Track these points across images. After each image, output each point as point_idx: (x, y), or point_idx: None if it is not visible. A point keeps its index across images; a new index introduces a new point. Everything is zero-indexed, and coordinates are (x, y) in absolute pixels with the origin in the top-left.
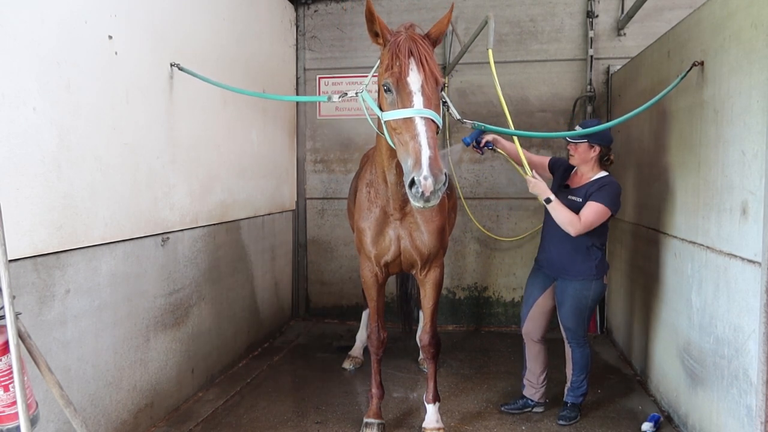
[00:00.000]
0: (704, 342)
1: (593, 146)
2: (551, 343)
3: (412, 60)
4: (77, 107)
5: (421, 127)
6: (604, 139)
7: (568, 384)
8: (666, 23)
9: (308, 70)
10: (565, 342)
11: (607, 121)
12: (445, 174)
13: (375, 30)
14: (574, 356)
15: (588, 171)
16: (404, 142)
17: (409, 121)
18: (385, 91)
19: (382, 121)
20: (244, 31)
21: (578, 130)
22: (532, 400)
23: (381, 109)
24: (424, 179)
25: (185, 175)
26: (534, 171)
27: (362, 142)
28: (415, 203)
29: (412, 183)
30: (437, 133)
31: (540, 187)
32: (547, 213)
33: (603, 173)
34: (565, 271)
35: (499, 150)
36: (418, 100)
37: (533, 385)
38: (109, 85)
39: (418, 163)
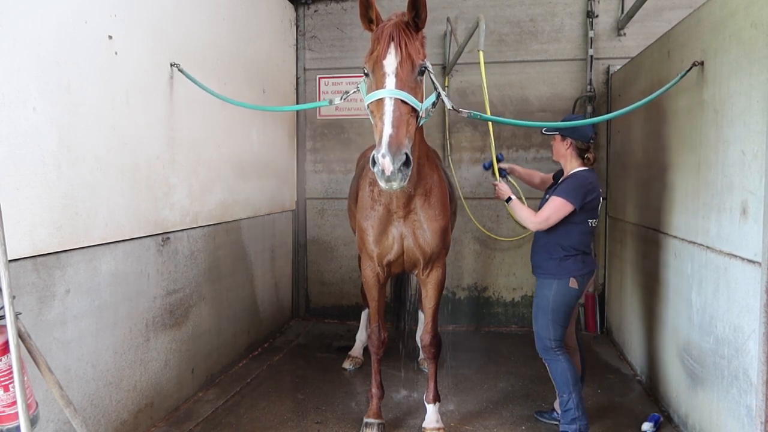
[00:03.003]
0: (704, 342)
1: (565, 139)
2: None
3: (391, 44)
4: (77, 107)
5: (388, 107)
6: (576, 132)
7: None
8: (666, 23)
9: (308, 70)
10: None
11: (598, 113)
12: (407, 155)
13: (370, 17)
14: (548, 370)
15: (566, 167)
16: (376, 124)
17: (379, 102)
18: (365, 76)
19: (366, 107)
20: (243, 31)
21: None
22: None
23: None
24: (382, 157)
25: (185, 175)
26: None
27: (362, 142)
28: (380, 183)
29: (374, 162)
30: (418, 117)
31: (502, 190)
32: None
33: (577, 169)
34: (534, 268)
35: (512, 180)
36: (390, 81)
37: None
38: (109, 85)
39: (379, 141)
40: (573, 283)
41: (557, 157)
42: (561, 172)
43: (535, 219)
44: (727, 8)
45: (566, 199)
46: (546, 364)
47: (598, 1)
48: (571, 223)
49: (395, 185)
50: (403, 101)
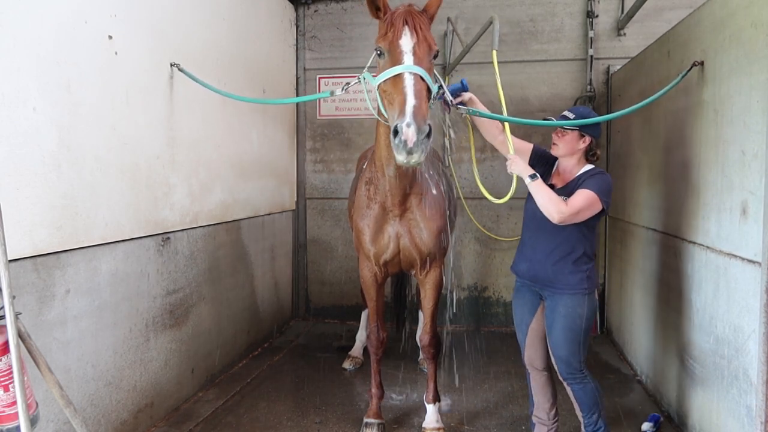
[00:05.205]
0: (704, 342)
1: (584, 136)
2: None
3: (406, 27)
4: (77, 107)
5: (408, 81)
6: (596, 130)
7: (582, 429)
8: (666, 23)
9: (308, 70)
10: (561, 379)
11: (598, 113)
12: (429, 126)
13: (377, 4)
14: (575, 394)
15: (573, 165)
16: (392, 100)
17: (397, 78)
18: (378, 55)
19: (375, 89)
20: (244, 31)
21: (568, 115)
22: None
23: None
24: (407, 126)
25: (185, 175)
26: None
27: (362, 142)
28: (398, 156)
29: (396, 132)
30: (429, 99)
31: (521, 165)
32: (528, 214)
33: (591, 166)
34: (552, 284)
35: (467, 116)
36: (408, 58)
37: (544, 423)
38: (109, 85)
39: (402, 111)
40: (596, 295)
41: (566, 153)
42: (545, 154)
43: (565, 209)
44: (727, 8)
45: (599, 196)
46: (569, 389)
47: (598, 1)
48: (594, 228)
49: (415, 158)
50: (422, 78)
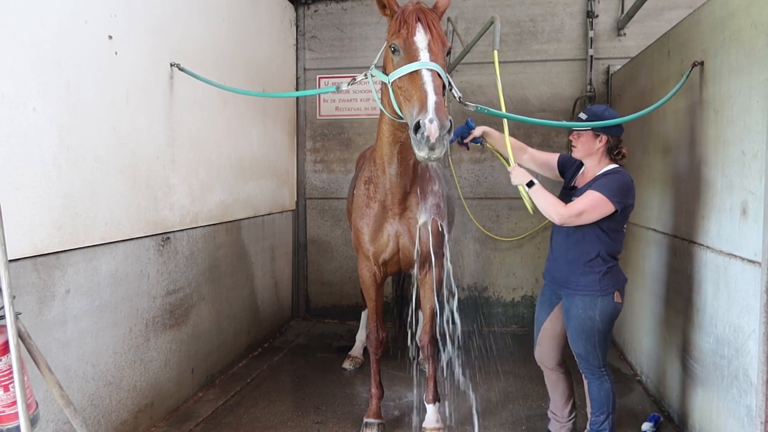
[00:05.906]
0: (704, 342)
1: (599, 135)
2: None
3: (419, 24)
4: (77, 107)
5: (427, 77)
6: (613, 128)
7: (588, 426)
8: (666, 23)
9: (308, 70)
10: (580, 371)
11: (613, 109)
12: (450, 121)
13: (383, 1)
14: (590, 390)
15: (594, 165)
16: (410, 97)
17: (415, 74)
18: (393, 52)
19: (389, 85)
20: (243, 31)
21: (582, 117)
22: None
23: (387, 75)
24: (429, 122)
25: (185, 175)
26: (538, 170)
27: (362, 142)
28: (420, 152)
29: (417, 127)
30: (444, 93)
31: (519, 176)
32: None
33: (612, 166)
34: (565, 284)
35: (488, 145)
36: (425, 55)
37: (558, 419)
38: (109, 85)
39: (423, 107)
40: (618, 298)
41: (584, 155)
42: (572, 160)
43: (564, 211)
44: (727, 8)
45: (609, 197)
46: (585, 381)
47: (598, 1)
48: (615, 231)
49: (436, 154)
50: (439, 74)
